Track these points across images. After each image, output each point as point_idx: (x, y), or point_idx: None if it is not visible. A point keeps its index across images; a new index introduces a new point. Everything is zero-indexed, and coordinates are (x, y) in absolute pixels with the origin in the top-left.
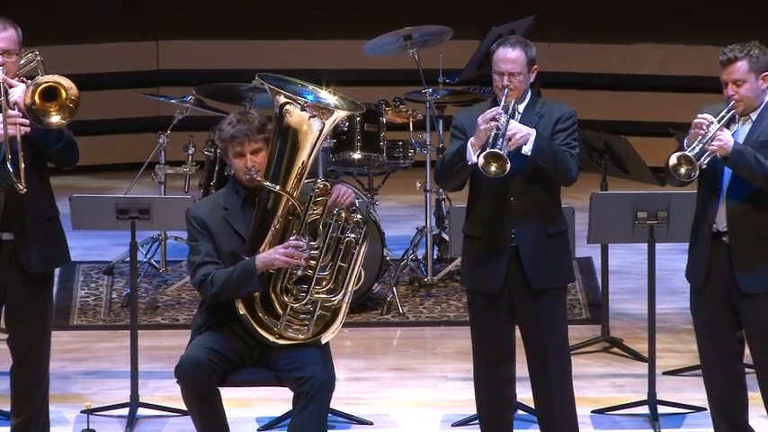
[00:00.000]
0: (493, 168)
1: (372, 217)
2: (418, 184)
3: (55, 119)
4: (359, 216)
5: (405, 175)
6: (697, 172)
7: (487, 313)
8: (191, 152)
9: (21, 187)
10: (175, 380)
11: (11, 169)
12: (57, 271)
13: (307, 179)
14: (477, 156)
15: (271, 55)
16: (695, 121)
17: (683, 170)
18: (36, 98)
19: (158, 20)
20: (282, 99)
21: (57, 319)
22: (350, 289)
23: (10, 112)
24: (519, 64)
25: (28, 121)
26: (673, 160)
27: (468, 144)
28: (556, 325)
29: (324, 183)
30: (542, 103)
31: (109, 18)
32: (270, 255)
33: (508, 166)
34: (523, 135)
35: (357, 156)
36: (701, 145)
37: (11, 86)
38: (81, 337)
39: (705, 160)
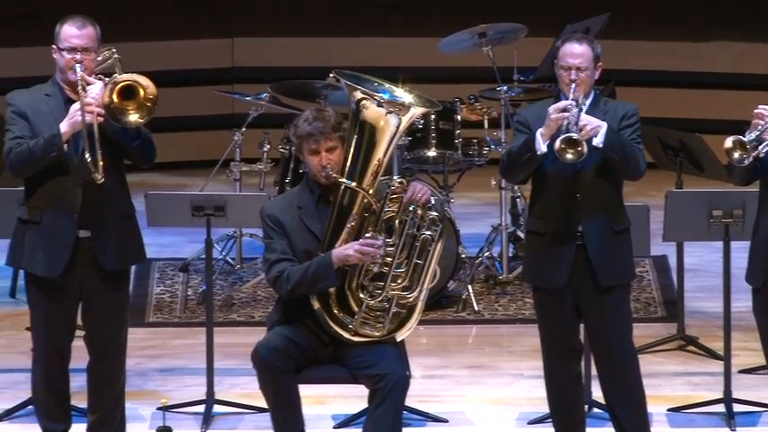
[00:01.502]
0: (569, 155)
1: (447, 214)
2: (493, 182)
3: (133, 117)
4: (434, 213)
5: (480, 173)
6: (749, 159)
7: (553, 310)
8: (266, 149)
9: (98, 177)
10: (252, 376)
11: (88, 158)
12: (133, 268)
13: (382, 177)
14: (552, 143)
15: (345, 52)
16: (756, 111)
17: (736, 155)
18: (114, 97)
19: (233, 17)
20: (359, 95)
21: (133, 316)
22: (425, 286)
23: (86, 99)
24: (586, 59)
25: (103, 111)
26: (727, 143)
27: (538, 134)
28: (622, 321)
29: (400, 180)
30: (605, 101)
31: (184, 16)
32: (345, 250)
33: (585, 150)
34: (594, 126)
35: (432, 153)
36: (758, 133)
37: (88, 84)
38: (157, 333)
39: (764, 149)
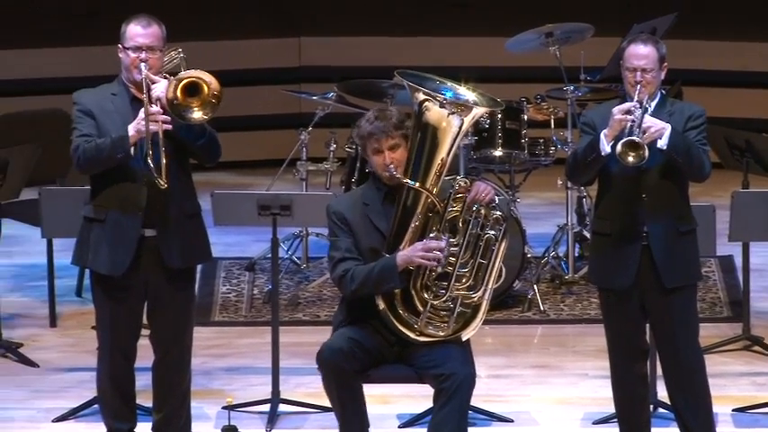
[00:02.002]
0: (630, 158)
1: (513, 214)
2: (559, 182)
3: (197, 114)
4: (498, 213)
5: (546, 173)
6: None
7: (619, 311)
8: (332, 149)
9: (162, 183)
10: (317, 373)
11: (151, 165)
12: (198, 267)
13: (447, 176)
14: (615, 144)
15: (412, 52)
16: None
17: None
18: (178, 93)
19: (300, 16)
20: (421, 96)
21: (198, 315)
22: (490, 286)
23: (152, 108)
24: (651, 60)
25: (170, 118)
26: None
27: (602, 135)
28: (688, 322)
29: (464, 180)
30: (671, 102)
31: (251, 15)
32: (410, 253)
33: (646, 154)
34: (659, 129)
35: (498, 153)
36: None
37: (153, 82)
38: (222, 333)
39: None
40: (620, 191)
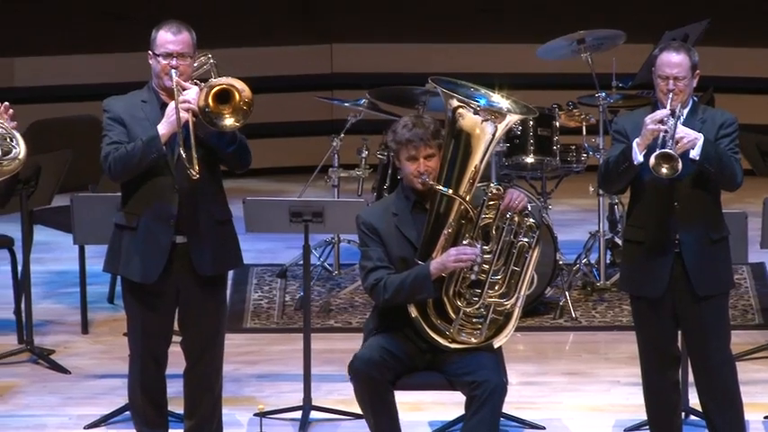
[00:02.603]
0: (664, 170)
1: (545, 221)
2: (591, 189)
3: (228, 121)
4: (531, 220)
5: (578, 180)
6: None
7: (651, 318)
8: (364, 155)
9: (193, 173)
10: (348, 380)
11: (183, 154)
12: (230, 274)
13: (479, 183)
14: (649, 156)
15: (444, 58)
16: None
17: None
18: (210, 101)
19: (332, 23)
20: (455, 103)
21: (230, 322)
22: (522, 293)
23: (182, 97)
24: (683, 68)
25: (197, 108)
26: None
27: (634, 144)
28: (720, 330)
29: (497, 187)
30: (703, 109)
31: (283, 21)
32: (443, 259)
33: (680, 166)
34: (691, 139)
35: (530, 160)
36: None
37: (184, 89)
38: (254, 339)
39: None
40: (653, 199)
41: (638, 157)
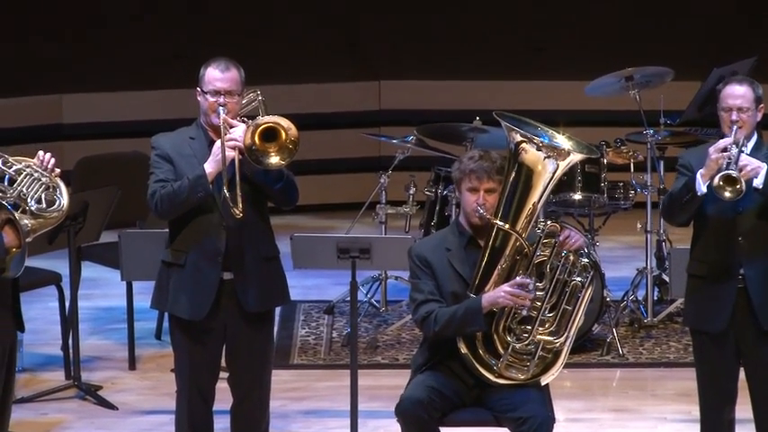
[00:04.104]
0: (727, 193)
1: (593, 258)
2: (639, 225)
3: (274, 159)
4: (586, 260)
5: (625, 216)
6: None
7: (712, 353)
8: (412, 192)
9: (237, 212)
10: (395, 419)
11: (227, 194)
12: (277, 310)
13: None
14: (712, 178)
15: (491, 95)
16: None
17: None
18: (256, 139)
19: (380, 60)
20: (518, 137)
21: (277, 358)
22: (573, 332)
23: (228, 135)
24: (747, 99)
25: (242, 145)
26: None
27: (698, 175)
28: None
29: (554, 224)
30: None
31: (331, 58)
32: (496, 293)
33: (743, 188)
34: (755, 167)
35: (578, 196)
36: None
37: (231, 126)
38: (301, 375)
39: None
40: (716, 233)
41: (702, 187)
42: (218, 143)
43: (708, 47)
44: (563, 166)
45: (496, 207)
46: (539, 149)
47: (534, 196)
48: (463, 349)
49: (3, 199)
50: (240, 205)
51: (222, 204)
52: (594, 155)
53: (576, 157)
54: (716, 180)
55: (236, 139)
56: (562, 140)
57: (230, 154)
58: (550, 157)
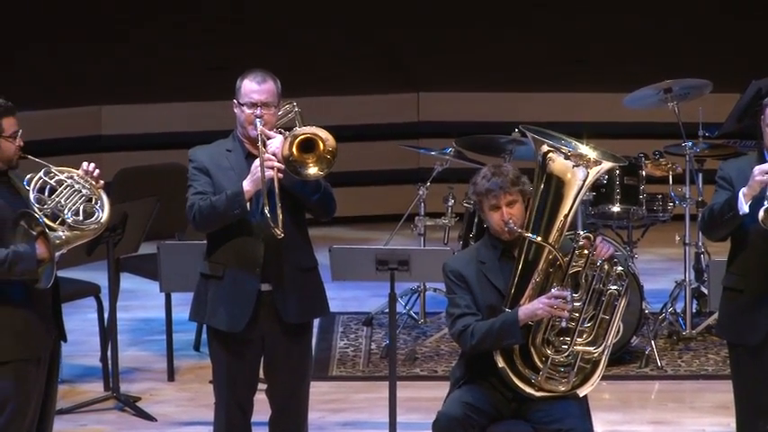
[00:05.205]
0: None
1: (631, 270)
2: (677, 238)
3: (312, 170)
4: (620, 268)
5: (664, 229)
6: None
7: (749, 366)
8: (450, 204)
9: (278, 233)
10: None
11: (268, 215)
12: (316, 321)
13: (567, 231)
14: (755, 207)
15: (530, 107)
16: None
17: None
18: (294, 150)
19: (419, 72)
20: (545, 148)
21: (316, 370)
22: (610, 341)
23: (267, 155)
24: None
25: (283, 167)
26: None
27: (740, 194)
28: None
29: (587, 234)
30: None
31: (370, 70)
32: (533, 306)
33: None
34: None
35: (616, 209)
36: None
37: (269, 138)
38: (340, 387)
39: None
40: (755, 248)
41: (744, 207)
42: (256, 162)
43: (746, 59)
44: (593, 173)
45: (527, 220)
46: (566, 158)
47: (565, 207)
48: (500, 363)
49: (41, 210)
50: (281, 226)
51: (260, 217)
52: (621, 163)
53: (605, 165)
54: (761, 213)
55: (274, 159)
56: (588, 152)
57: (269, 173)
58: (579, 165)
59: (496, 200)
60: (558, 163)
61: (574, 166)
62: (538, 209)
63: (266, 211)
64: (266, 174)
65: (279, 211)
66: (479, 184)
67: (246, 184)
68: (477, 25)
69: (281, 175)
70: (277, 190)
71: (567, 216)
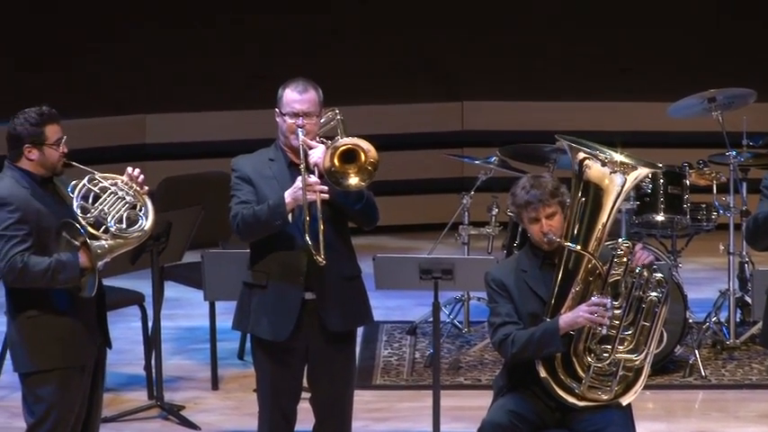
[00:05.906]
0: None
1: (675, 279)
2: (721, 247)
3: (353, 181)
4: (659, 275)
5: (708, 238)
6: None
7: None
8: (494, 213)
9: (320, 260)
10: None
11: (309, 242)
12: (360, 330)
13: (607, 242)
14: None
15: (574, 116)
16: None
17: None
18: (335, 161)
19: (463, 81)
20: (581, 155)
21: (360, 379)
22: (652, 349)
23: (309, 179)
24: None
25: (327, 188)
26: None
27: None
28: None
29: (626, 243)
30: None
31: (414, 79)
32: (573, 314)
33: None
34: None
35: (660, 218)
36: None
37: (310, 148)
38: (384, 396)
39: None
40: None
41: None
42: (298, 182)
43: None
44: (631, 179)
45: (566, 228)
46: (603, 165)
47: (603, 215)
48: (543, 373)
49: (84, 218)
50: (323, 253)
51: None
52: (658, 169)
53: (642, 171)
54: None
55: (315, 183)
56: (623, 159)
57: (310, 197)
58: (617, 172)
59: (536, 212)
60: (595, 170)
61: (611, 172)
62: (577, 218)
63: (307, 238)
64: (309, 197)
65: (321, 237)
66: (518, 195)
67: (288, 197)
68: (522, 35)
69: (325, 196)
70: (320, 214)
71: (605, 225)
